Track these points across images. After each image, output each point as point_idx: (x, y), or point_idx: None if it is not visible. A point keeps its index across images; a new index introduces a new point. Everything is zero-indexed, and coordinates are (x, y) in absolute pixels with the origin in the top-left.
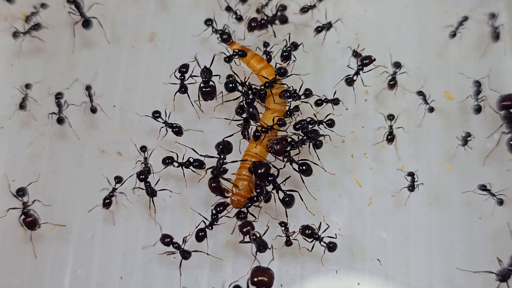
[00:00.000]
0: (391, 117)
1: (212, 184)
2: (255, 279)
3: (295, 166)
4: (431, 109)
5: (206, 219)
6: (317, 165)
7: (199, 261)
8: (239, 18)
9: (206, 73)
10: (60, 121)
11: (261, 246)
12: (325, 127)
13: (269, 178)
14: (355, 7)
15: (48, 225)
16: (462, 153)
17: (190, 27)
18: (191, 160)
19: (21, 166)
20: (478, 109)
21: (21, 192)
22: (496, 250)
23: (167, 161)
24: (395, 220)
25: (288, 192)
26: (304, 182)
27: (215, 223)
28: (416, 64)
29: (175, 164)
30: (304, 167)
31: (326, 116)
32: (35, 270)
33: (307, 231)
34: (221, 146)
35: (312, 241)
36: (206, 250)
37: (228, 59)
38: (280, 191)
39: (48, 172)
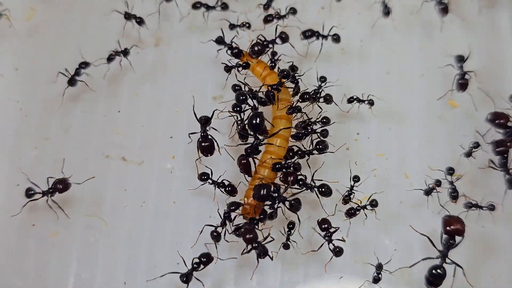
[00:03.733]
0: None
1: (243, 161)
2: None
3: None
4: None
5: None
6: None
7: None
8: (248, 27)
9: (204, 123)
10: None
11: (262, 252)
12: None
13: (273, 195)
14: (360, 14)
15: (52, 230)
16: (466, 160)
17: (196, 31)
18: (226, 183)
19: (25, 169)
20: None
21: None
22: (499, 260)
23: (203, 177)
24: (399, 227)
25: (292, 198)
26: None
27: (227, 221)
28: (421, 71)
29: (210, 181)
30: (294, 202)
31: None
32: (39, 273)
33: (323, 225)
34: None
35: (324, 235)
36: (216, 255)
37: (228, 69)
38: (286, 202)
39: (52, 176)
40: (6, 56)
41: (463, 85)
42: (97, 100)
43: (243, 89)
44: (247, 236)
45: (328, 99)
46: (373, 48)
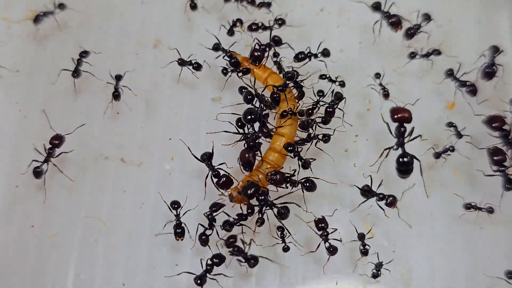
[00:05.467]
0: None
1: (247, 155)
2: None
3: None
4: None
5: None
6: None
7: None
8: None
9: (208, 159)
10: None
11: (251, 260)
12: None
13: (260, 198)
14: (359, 16)
15: (51, 231)
16: (464, 161)
17: (195, 33)
18: (178, 225)
19: (24, 171)
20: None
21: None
22: (497, 260)
23: (174, 205)
24: (397, 228)
25: (281, 205)
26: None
27: (213, 223)
28: (420, 73)
29: (175, 212)
30: (283, 210)
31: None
32: (38, 274)
33: (320, 224)
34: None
35: (321, 234)
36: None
37: (225, 72)
38: (273, 207)
39: (51, 176)
40: (5, 57)
41: (489, 73)
42: (96, 101)
43: (250, 91)
44: (227, 243)
45: (339, 97)
46: (371, 50)
